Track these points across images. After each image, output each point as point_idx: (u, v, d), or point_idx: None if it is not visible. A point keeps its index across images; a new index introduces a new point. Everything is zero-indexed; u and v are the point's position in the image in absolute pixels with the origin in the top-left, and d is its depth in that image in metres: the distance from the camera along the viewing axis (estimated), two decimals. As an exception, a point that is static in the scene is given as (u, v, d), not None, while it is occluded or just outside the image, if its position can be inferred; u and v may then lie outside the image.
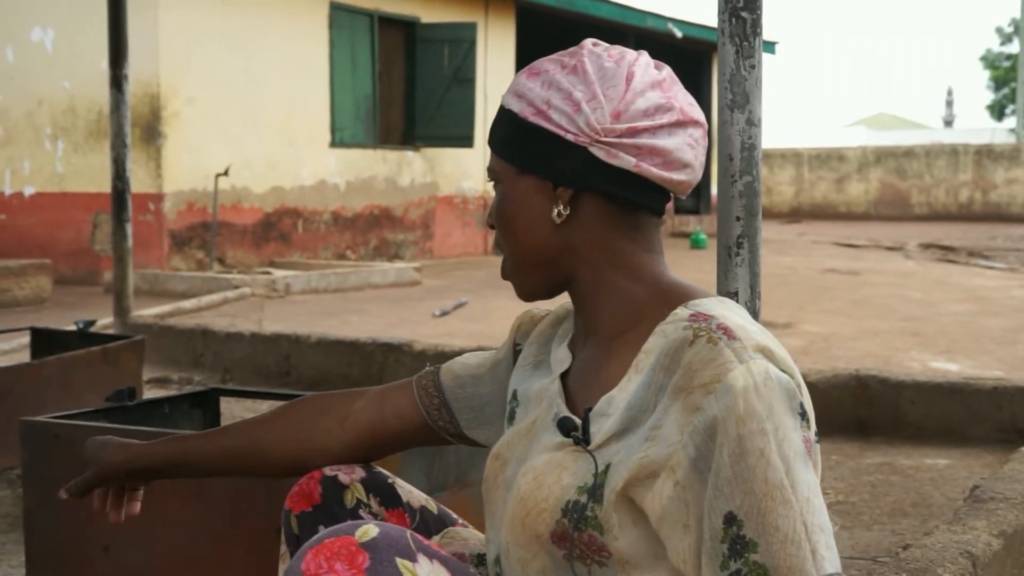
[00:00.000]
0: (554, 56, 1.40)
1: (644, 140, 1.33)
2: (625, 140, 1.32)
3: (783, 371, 1.25)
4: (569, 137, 1.34)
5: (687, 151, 1.35)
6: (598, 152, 1.33)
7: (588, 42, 1.40)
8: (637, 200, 1.35)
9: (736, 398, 1.21)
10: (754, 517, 1.19)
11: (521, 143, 1.37)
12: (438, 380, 1.61)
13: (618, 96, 1.33)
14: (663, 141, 1.34)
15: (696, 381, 1.23)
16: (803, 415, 1.25)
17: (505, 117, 1.40)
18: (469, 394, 1.59)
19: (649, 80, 1.36)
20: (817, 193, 28.74)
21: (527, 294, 1.44)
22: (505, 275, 1.45)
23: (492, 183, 1.44)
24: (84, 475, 1.71)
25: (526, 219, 1.38)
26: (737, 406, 1.20)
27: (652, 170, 1.33)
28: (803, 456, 1.22)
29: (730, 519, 1.20)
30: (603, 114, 1.33)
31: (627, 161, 1.33)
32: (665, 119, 1.34)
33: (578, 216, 1.36)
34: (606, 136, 1.33)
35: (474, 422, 1.59)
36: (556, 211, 1.36)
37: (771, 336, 1.30)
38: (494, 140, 1.42)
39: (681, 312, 1.31)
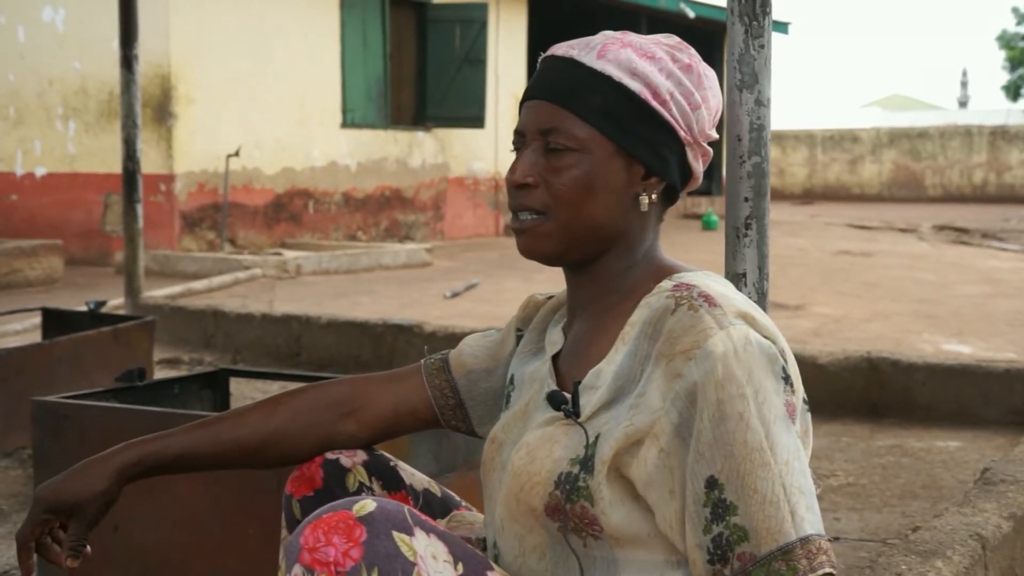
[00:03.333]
0: (652, 41, 1.39)
1: (708, 147, 1.42)
2: (706, 146, 1.41)
3: (765, 337, 1.27)
4: (680, 133, 1.37)
5: None
6: (689, 153, 1.39)
7: (677, 38, 1.42)
8: (679, 196, 1.43)
9: (715, 363, 1.23)
10: (734, 480, 1.22)
11: (630, 122, 1.36)
12: (451, 379, 1.59)
13: (716, 106, 1.41)
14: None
15: (677, 347, 1.26)
16: (787, 379, 1.27)
17: (609, 89, 1.35)
18: (483, 390, 1.59)
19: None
20: (830, 174, 28.64)
21: (552, 258, 1.39)
22: (542, 236, 1.38)
23: (536, 139, 1.37)
24: (96, 502, 1.51)
25: (608, 196, 1.37)
26: (716, 371, 1.23)
27: (701, 173, 1.42)
28: (784, 419, 1.24)
29: (711, 483, 1.22)
30: (708, 120, 1.39)
31: (699, 166, 1.41)
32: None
33: (650, 205, 1.40)
34: (703, 141, 1.40)
35: (485, 417, 1.59)
36: (646, 199, 1.38)
37: (754, 305, 1.33)
38: (583, 107, 1.35)
39: (665, 284, 1.34)
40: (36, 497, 1.51)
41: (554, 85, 1.37)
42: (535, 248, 1.39)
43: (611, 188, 1.36)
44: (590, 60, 1.36)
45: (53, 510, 1.50)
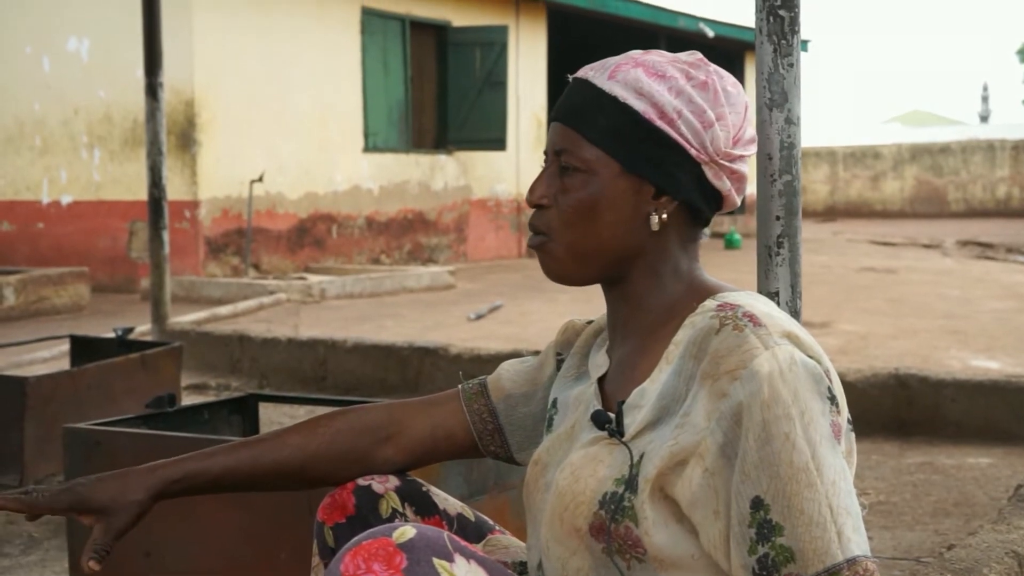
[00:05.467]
0: (669, 60, 1.39)
1: (739, 166, 1.39)
2: (731, 165, 1.38)
3: (810, 357, 1.27)
4: (692, 152, 1.36)
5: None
6: (708, 171, 1.37)
7: (699, 56, 1.41)
8: (709, 216, 1.41)
9: (761, 383, 1.23)
10: (780, 501, 1.21)
11: (636, 143, 1.36)
12: (490, 403, 1.59)
13: (737, 123, 1.38)
14: (746, 168, 1.41)
15: (722, 367, 1.26)
16: (832, 400, 1.26)
17: (614, 110, 1.36)
18: (522, 415, 1.59)
19: (752, 109, 1.44)
20: (852, 191, 28.54)
21: (567, 278, 1.42)
22: (550, 256, 1.41)
23: (553, 161, 1.40)
24: (129, 511, 1.51)
25: (615, 216, 1.37)
26: (762, 391, 1.22)
27: (733, 193, 1.40)
28: (830, 440, 1.24)
29: (757, 503, 1.22)
30: (726, 138, 1.37)
31: (725, 184, 1.38)
32: (753, 148, 1.42)
33: (664, 224, 1.38)
34: (721, 159, 1.37)
35: (524, 443, 1.59)
36: (656, 218, 1.37)
37: (798, 324, 1.32)
38: (591, 128, 1.37)
39: (709, 303, 1.34)
40: (70, 487, 1.50)
41: (568, 107, 1.40)
42: (548, 267, 1.42)
43: (617, 208, 1.37)
44: (600, 81, 1.38)
45: (78, 507, 1.49)
